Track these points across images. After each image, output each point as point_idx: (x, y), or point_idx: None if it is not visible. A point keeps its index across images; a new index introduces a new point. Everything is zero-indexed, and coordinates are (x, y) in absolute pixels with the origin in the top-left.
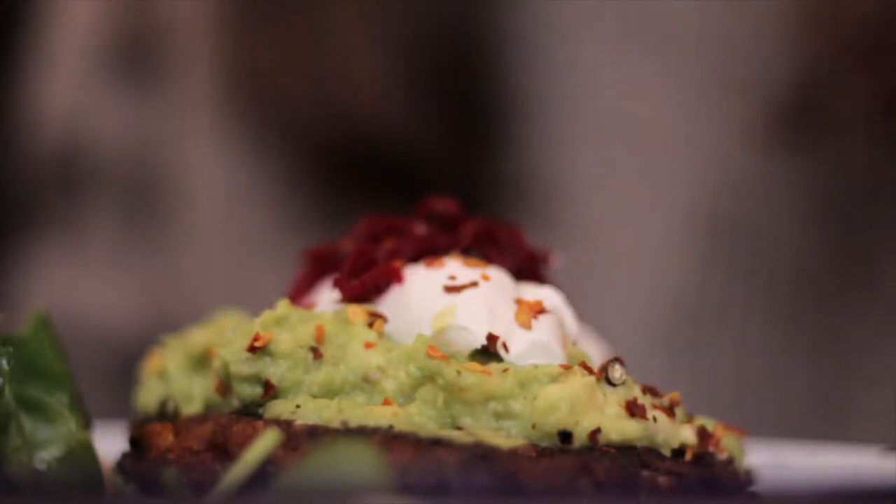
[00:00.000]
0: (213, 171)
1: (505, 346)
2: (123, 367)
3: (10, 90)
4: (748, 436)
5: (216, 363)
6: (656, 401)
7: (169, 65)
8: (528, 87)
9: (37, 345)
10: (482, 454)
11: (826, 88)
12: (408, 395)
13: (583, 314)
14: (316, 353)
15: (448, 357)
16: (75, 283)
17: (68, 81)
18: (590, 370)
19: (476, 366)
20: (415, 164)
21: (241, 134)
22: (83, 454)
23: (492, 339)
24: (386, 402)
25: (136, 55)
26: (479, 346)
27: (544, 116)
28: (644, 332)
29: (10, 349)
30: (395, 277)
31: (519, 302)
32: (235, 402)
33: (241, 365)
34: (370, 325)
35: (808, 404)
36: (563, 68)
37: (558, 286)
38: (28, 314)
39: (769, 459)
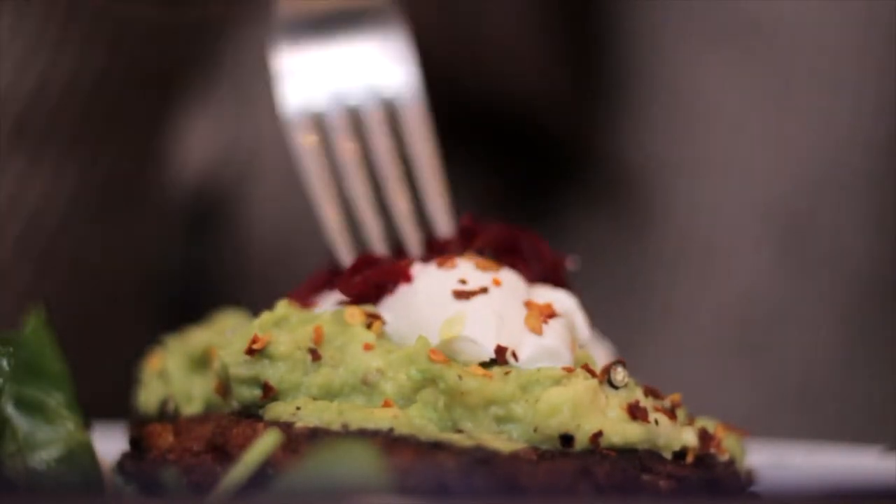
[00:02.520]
0: None
1: (514, 356)
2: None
3: None
4: (750, 436)
5: (216, 364)
6: (658, 403)
7: None
8: (626, 68)
9: (37, 345)
10: (483, 458)
11: None
12: (408, 398)
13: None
14: (314, 354)
15: (449, 360)
16: None
17: None
18: (592, 373)
19: (478, 369)
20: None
21: None
22: (83, 454)
23: (500, 351)
24: (386, 405)
25: None
26: (487, 359)
27: (639, 98)
28: (714, 325)
29: (10, 349)
30: (402, 277)
31: (529, 305)
32: (235, 404)
33: (240, 367)
34: (368, 326)
35: (875, 409)
36: (651, 52)
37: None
38: (28, 314)
39: (769, 459)
